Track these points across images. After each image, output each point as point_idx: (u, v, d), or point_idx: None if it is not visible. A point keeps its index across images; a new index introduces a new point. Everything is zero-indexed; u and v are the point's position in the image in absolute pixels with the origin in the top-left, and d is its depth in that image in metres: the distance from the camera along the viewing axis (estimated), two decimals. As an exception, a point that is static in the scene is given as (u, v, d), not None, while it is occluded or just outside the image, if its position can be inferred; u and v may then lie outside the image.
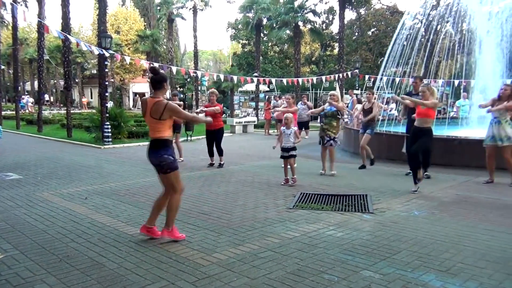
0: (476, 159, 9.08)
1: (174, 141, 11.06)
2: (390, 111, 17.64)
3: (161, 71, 4.99)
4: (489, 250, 4.38)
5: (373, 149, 9.82)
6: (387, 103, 18.83)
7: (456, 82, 18.64)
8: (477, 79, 14.95)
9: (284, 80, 24.62)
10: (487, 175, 8.15)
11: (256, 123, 22.62)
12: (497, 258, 4.16)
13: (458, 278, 3.71)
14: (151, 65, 4.87)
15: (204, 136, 10.71)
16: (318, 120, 24.46)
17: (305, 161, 10.67)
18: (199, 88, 36.51)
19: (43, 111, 22.70)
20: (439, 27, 18.66)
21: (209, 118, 5.66)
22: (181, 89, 42.31)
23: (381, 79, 15.57)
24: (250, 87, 35.25)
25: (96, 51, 15.05)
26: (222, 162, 10.13)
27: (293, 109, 10.45)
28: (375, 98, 10.14)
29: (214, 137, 10.11)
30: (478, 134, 9.72)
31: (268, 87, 35.66)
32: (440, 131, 12.14)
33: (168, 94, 9.62)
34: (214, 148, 10.16)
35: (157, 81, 4.72)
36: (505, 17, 14.25)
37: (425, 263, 4.05)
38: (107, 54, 15.15)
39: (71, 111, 20.12)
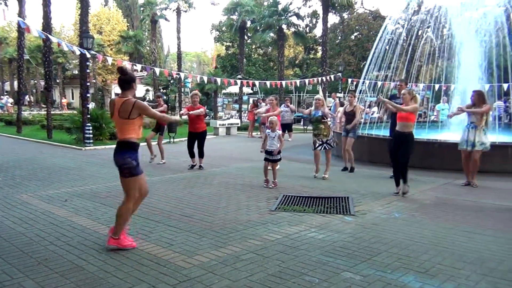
0: (455, 162, 9.24)
1: (156, 143, 11.07)
2: (372, 114, 17.85)
3: (129, 71, 4.88)
4: (466, 252, 4.47)
5: (355, 152, 9.92)
6: (370, 106, 19.05)
7: (437, 86, 18.94)
8: (457, 83, 15.23)
9: (268, 83, 24.70)
10: (465, 177, 8.34)
11: (239, 125, 22.61)
12: (474, 259, 4.24)
13: (436, 279, 3.78)
14: (121, 66, 4.74)
15: (186, 138, 10.68)
16: (302, 123, 24.65)
17: (288, 163, 10.71)
18: (183, 89, 36.38)
19: (23, 112, 22.31)
20: (420, 32, 18.95)
21: (177, 117, 5.56)
22: (164, 90, 41.94)
23: (363, 82, 15.73)
24: (234, 89, 35.28)
25: (77, 51, 14.87)
26: (201, 164, 10.09)
27: (277, 111, 10.47)
28: (356, 101, 10.26)
29: (196, 139, 10.08)
30: (457, 138, 9.90)
31: (252, 89, 35.77)
32: (420, 134, 12.35)
33: (153, 96, 9.53)
34: (195, 149, 10.12)
35: (125, 81, 4.59)
36: (484, 23, 14.57)
37: (404, 264, 4.11)
38: (88, 55, 14.98)
39: (52, 112, 19.83)
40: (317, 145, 9.01)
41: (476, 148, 8.06)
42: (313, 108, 9.23)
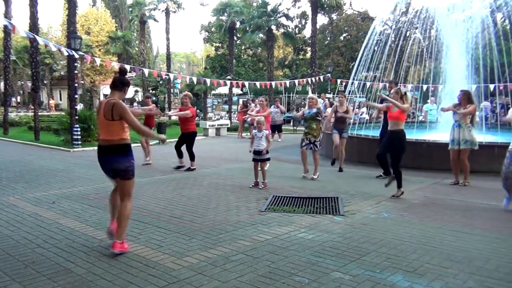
0: (443, 162, 9.33)
1: (141, 142, 10.95)
2: (361, 114, 17.96)
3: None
4: (454, 251, 4.51)
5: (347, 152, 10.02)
6: (359, 107, 19.16)
7: (425, 87, 19.11)
8: (444, 84, 15.38)
9: (258, 83, 24.71)
10: (453, 177, 8.44)
11: (229, 126, 22.59)
12: (461, 258, 4.29)
13: (425, 278, 3.81)
14: (123, 66, 4.68)
15: (176, 139, 10.65)
16: (291, 124, 24.70)
17: (278, 163, 10.72)
18: (172, 90, 36.23)
19: (9, 113, 22.04)
20: (408, 33, 19.11)
21: (162, 136, 5.17)
22: (154, 91, 41.77)
23: (352, 83, 15.82)
24: (224, 90, 35.21)
25: (65, 52, 14.73)
26: (193, 167, 9.99)
27: (267, 112, 10.43)
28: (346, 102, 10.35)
29: (185, 140, 10.04)
30: (445, 138, 10.00)
31: (242, 90, 35.73)
32: (409, 135, 12.44)
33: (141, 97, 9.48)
34: (183, 149, 10.08)
35: (120, 82, 4.54)
36: (470, 25, 14.74)
37: (393, 264, 4.14)
38: (76, 56, 14.85)
39: (39, 113, 19.62)
40: (303, 143, 8.99)
41: (461, 147, 8.17)
42: (306, 108, 9.23)
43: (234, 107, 31.31)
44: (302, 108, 19.25)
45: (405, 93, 7.37)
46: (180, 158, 10.13)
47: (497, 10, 15.61)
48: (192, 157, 10.01)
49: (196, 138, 10.37)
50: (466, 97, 8.24)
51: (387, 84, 9.23)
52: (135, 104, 28.66)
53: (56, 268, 4.02)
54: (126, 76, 4.65)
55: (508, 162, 6.38)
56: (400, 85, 20.32)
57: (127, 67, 20.82)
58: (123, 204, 4.48)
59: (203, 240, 4.86)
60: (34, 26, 17.01)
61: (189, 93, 10.67)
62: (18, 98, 53.97)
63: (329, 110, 11.49)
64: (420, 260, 4.23)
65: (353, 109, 12.39)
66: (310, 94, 9.83)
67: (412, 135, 12.33)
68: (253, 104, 19.65)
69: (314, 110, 8.92)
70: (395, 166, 7.18)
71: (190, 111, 9.96)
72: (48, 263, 4.16)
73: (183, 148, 10.09)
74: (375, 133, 10.42)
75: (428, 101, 18.52)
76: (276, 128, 16.24)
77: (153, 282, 3.70)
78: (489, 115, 19.95)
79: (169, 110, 33.41)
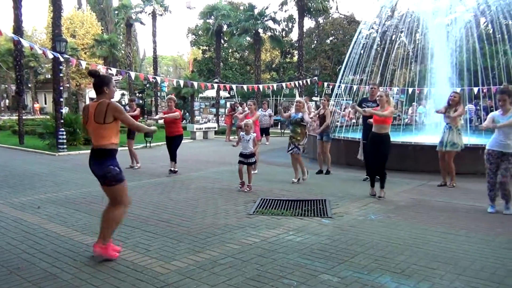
0: (429, 164, 9.45)
1: (127, 147, 10.80)
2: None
3: (102, 73, 4.53)
4: (440, 252, 4.56)
5: (331, 155, 10.03)
6: (345, 109, 19.25)
7: (410, 90, 19.33)
8: (429, 87, 15.58)
9: (245, 87, 24.73)
10: (439, 179, 8.54)
11: (216, 129, 22.56)
12: (448, 259, 4.33)
13: (412, 279, 3.84)
14: (92, 69, 4.49)
15: (164, 142, 10.58)
16: (279, 127, 24.76)
17: (266, 166, 10.74)
18: (159, 94, 36.05)
19: (-7, 117, 21.71)
20: (393, 36, 19.32)
21: (154, 128, 5.05)
22: (140, 94, 41.60)
23: (339, 86, 15.91)
24: (211, 93, 35.15)
25: (50, 55, 14.57)
26: (174, 169, 9.90)
27: (255, 116, 10.40)
28: (330, 105, 10.39)
29: (171, 141, 9.99)
30: (431, 140, 10.12)
31: (229, 93, 35.67)
32: (395, 137, 12.56)
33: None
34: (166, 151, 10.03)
35: (96, 85, 4.32)
36: (454, 29, 14.97)
37: (381, 265, 4.17)
38: (62, 59, 14.71)
39: (24, 117, 19.35)
40: (289, 148, 8.86)
41: (447, 148, 8.25)
42: (293, 110, 9.13)
43: (221, 110, 31.30)
44: (291, 108, 19.25)
45: (389, 97, 7.41)
46: (175, 163, 10.03)
47: (480, 14, 15.87)
48: (174, 158, 9.92)
49: (183, 141, 10.31)
50: (459, 99, 8.27)
51: (371, 87, 9.26)
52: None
53: (41, 274, 3.96)
54: (99, 77, 4.38)
55: (491, 166, 6.36)
56: (386, 88, 20.51)
57: (113, 70, 20.72)
58: (114, 208, 4.38)
59: (191, 243, 4.84)
60: (18, 29, 16.81)
61: (173, 97, 10.65)
62: (1, 102, 53.23)
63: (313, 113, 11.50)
64: (407, 262, 4.27)
65: (339, 112, 12.44)
66: (298, 98, 9.79)
67: (398, 137, 12.45)
68: (240, 108, 19.67)
69: (300, 115, 8.77)
70: (383, 169, 7.25)
71: (178, 112, 9.93)
72: (34, 268, 4.10)
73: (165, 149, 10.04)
74: (360, 135, 10.49)
75: (421, 104, 18.70)
76: (263, 131, 16.27)
77: (141, 287, 3.67)
78: (473, 117, 20.25)
79: (156, 113, 33.25)
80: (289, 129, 9.20)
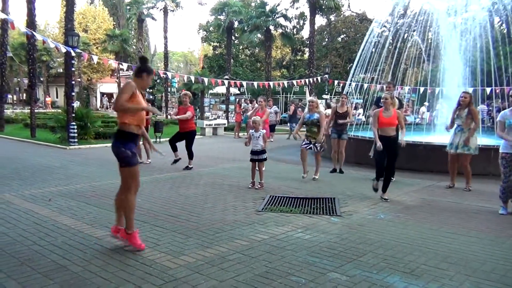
0: (439, 164, 9.37)
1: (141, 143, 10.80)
2: (358, 116, 18.00)
3: (148, 64, 4.77)
4: (450, 253, 4.52)
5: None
6: (355, 108, 19.16)
7: (422, 89, 19.18)
8: (441, 86, 15.44)
9: (255, 83, 24.72)
10: (449, 179, 8.43)
11: (226, 125, 22.57)
12: (457, 260, 4.30)
13: (421, 279, 3.81)
14: (141, 55, 4.66)
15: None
16: (288, 125, 24.70)
17: (275, 164, 10.73)
18: (169, 89, 36.19)
19: (5, 110, 21.95)
20: (406, 35, 19.16)
21: (150, 107, 4.77)
22: (151, 90, 41.74)
23: (350, 84, 15.84)
24: (221, 89, 35.20)
25: (62, 49, 14.68)
26: (191, 166, 9.97)
27: (266, 114, 10.16)
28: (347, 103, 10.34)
29: (184, 138, 10.01)
30: (442, 140, 10.02)
31: (239, 90, 35.75)
32: (405, 137, 12.46)
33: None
34: (178, 145, 10.05)
35: (139, 68, 4.60)
36: (468, 28, 14.79)
37: (390, 265, 4.15)
38: (73, 53, 14.81)
39: (36, 111, 19.54)
40: (304, 143, 8.89)
41: (458, 151, 8.01)
42: (306, 110, 9.08)
43: (231, 107, 31.32)
44: (299, 110, 19.15)
45: (394, 99, 7.23)
46: (175, 152, 10.04)
47: (494, 13, 15.66)
48: (191, 155, 9.98)
49: (198, 137, 10.32)
50: (469, 99, 8.01)
51: (385, 85, 9.19)
52: None
53: (52, 266, 4.00)
54: (144, 64, 4.63)
55: (505, 170, 6.24)
56: (397, 87, 20.37)
57: (125, 65, 20.83)
58: (123, 196, 4.51)
59: (200, 239, 4.85)
60: (31, 23, 16.95)
61: (189, 92, 10.62)
62: (14, 95, 53.78)
63: (327, 111, 11.45)
64: (416, 262, 4.24)
65: (354, 109, 12.38)
66: (311, 97, 9.64)
67: (408, 137, 12.36)
68: (250, 105, 19.65)
69: (316, 116, 8.68)
70: (394, 170, 7.21)
71: (190, 113, 9.88)
72: (44, 260, 4.14)
73: (179, 144, 10.04)
74: (372, 134, 10.43)
75: (423, 104, 18.55)
76: (270, 128, 16.27)
77: (150, 281, 3.69)
78: (486, 118, 20.04)
79: (166, 109, 33.39)
80: (305, 129, 9.09)
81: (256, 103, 12.09)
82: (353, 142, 11.53)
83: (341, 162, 9.89)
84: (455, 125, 8.18)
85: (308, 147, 8.84)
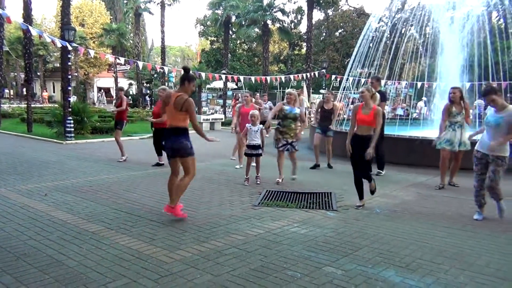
0: (436, 159, 9.36)
1: (114, 138, 10.57)
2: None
3: (191, 72, 5.65)
4: (445, 247, 4.54)
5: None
6: (353, 103, 19.14)
7: (419, 84, 19.21)
8: (439, 81, 15.46)
9: (253, 78, 24.67)
10: (441, 179, 7.96)
11: (223, 120, 22.54)
12: (453, 254, 4.31)
13: (416, 273, 3.83)
14: (185, 66, 5.78)
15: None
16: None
17: (272, 158, 10.71)
18: (166, 84, 36.07)
19: (2, 105, 21.86)
20: (403, 30, 19.14)
21: (211, 138, 5.88)
22: (148, 85, 41.65)
23: (347, 79, 15.83)
24: (218, 84, 35.13)
25: (59, 43, 14.60)
26: (161, 162, 9.49)
27: (274, 109, 9.01)
28: (338, 98, 10.25)
29: (159, 134, 9.29)
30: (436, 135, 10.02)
31: (236, 84, 35.66)
32: (402, 131, 12.51)
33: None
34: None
35: (181, 78, 5.46)
36: (466, 23, 14.78)
37: (385, 259, 4.16)
38: (70, 47, 14.73)
39: (32, 105, 19.46)
40: (280, 144, 7.96)
41: (460, 148, 7.75)
42: (284, 102, 8.07)
43: (228, 101, 31.28)
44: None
45: (374, 93, 6.24)
46: (160, 156, 9.66)
47: (493, 8, 15.65)
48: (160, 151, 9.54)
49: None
50: (459, 94, 7.68)
51: (370, 81, 8.87)
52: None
53: (47, 260, 4.00)
54: (187, 73, 5.47)
55: (477, 168, 5.75)
56: (394, 82, 20.36)
57: (122, 59, 20.73)
58: (183, 178, 5.41)
59: (196, 233, 4.85)
60: (27, 17, 16.86)
61: (166, 87, 10.33)
62: (11, 90, 53.56)
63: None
64: (412, 256, 4.25)
65: (348, 105, 12.29)
66: (289, 89, 8.70)
67: (406, 131, 12.39)
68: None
69: (297, 110, 7.93)
70: (369, 170, 6.34)
71: (164, 116, 9.26)
72: (40, 255, 4.13)
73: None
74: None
75: (421, 99, 18.57)
76: (263, 124, 16.19)
77: (146, 275, 3.69)
78: (483, 113, 20.06)
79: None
80: (280, 124, 8.00)
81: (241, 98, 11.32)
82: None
83: (329, 158, 9.83)
84: (447, 123, 7.75)
85: (286, 149, 7.98)
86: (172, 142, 5.36)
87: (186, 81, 5.42)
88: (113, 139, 11.08)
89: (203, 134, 5.64)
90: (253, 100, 12.65)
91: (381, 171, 8.91)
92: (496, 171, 5.48)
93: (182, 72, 5.61)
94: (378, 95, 6.37)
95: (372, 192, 6.50)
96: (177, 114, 5.28)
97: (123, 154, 10.33)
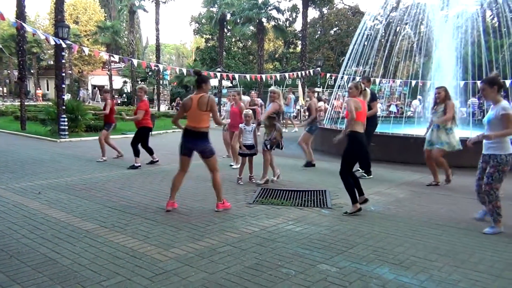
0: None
1: (99, 138, 10.29)
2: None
3: (203, 74, 5.98)
4: (439, 244, 4.56)
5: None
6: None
7: (413, 82, 19.26)
8: (433, 80, 15.50)
9: (248, 76, 24.66)
10: (441, 172, 8.20)
11: (218, 118, 22.49)
12: (446, 252, 4.34)
13: (410, 270, 3.84)
14: (195, 69, 5.88)
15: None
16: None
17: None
18: (161, 82, 35.97)
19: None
20: (398, 28, 19.18)
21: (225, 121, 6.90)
22: (142, 82, 41.50)
23: (342, 77, 15.85)
24: (213, 82, 35.03)
25: (52, 41, 14.51)
26: (138, 164, 9.18)
27: (241, 108, 9.10)
28: (333, 97, 10.29)
29: (142, 135, 9.38)
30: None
31: (231, 82, 35.60)
32: (397, 129, 12.56)
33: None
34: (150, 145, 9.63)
35: (198, 81, 5.74)
36: (460, 21, 14.84)
37: (379, 256, 4.17)
38: (64, 45, 14.64)
39: (26, 103, 19.35)
40: (271, 143, 7.78)
41: (436, 146, 7.65)
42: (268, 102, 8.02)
43: (223, 99, 31.23)
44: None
45: (365, 89, 6.16)
46: (152, 154, 9.65)
47: (487, 7, 15.72)
48: (137, 153, 9.28)
49: (145, 134, 9.59)
50: (444, 94, 7.62)
51: (361, 80, 8.85)
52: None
53: (41, 259, 3.98)
54: (200, 76, 5.77)
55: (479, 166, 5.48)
56: (388, 80, 20.41)
57: (116, 57, 20.65)
58: (213, 177, 5.83)
59: (190, 231, 4.85)
60: (21, 14, 16.71)
61: (144, 86, 10.17)
62: (4, 87, 53.17)
63: (320, 104, 11.41)
64: (406, 253, 4.27)
65: (318, 107, 12.20)
66: (272, 87, 8.16)
67: (400, 129, 12.44)
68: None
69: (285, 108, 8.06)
70: (341, 172, 5.94)
71: (140, 113, 9.11)
72: (33, 253, 4.11)
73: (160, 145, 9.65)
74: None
75: (417, 98, 18.64)
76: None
77: (140, 273, 3.69)
78: (476, 111, 20.18)
79: (158, 101, 33.14)
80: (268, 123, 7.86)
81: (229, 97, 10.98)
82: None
83: (305, 155, 9.72)
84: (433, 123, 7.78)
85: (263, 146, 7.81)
86: (195, 145, 5.68)
87: (203, 84, 5.72)
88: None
89: (222, 123, 6.81)
90: (247, 99, 12.63)
91: (365, 174, 8.55)
92: (491, 173, 5.07)
93: (195, 76, 5.90)
94: (368, 91, 6.37)
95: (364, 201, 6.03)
96: (201, 114, 5.57)
97: (103, 154, 10.06)
